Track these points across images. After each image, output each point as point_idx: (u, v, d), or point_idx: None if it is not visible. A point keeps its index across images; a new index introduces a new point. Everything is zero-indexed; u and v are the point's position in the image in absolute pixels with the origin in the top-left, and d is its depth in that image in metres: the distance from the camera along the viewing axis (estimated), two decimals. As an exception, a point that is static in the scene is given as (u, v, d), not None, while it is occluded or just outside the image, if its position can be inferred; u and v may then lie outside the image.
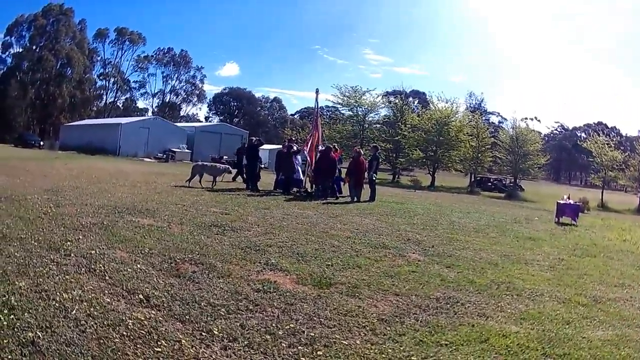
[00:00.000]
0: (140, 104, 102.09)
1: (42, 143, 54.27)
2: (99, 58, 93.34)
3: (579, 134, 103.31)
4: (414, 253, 8.78)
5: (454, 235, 11.27)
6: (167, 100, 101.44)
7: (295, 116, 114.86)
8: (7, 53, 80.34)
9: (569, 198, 18.47)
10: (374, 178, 18.76)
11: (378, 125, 52.74)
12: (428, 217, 14.37)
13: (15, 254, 6.29)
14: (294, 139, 24.02)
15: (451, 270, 7.71)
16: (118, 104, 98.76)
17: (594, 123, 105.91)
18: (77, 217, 9.14)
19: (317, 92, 20.78)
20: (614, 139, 48.74)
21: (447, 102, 49.04)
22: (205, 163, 21.67)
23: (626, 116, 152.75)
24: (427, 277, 7.09)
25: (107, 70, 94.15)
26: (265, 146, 22.91)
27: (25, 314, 4.44)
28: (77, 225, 8.49)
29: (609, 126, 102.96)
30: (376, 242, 9.38)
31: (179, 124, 62.12)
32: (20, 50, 79.83)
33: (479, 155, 45.80)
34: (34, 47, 79.49)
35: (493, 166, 51.64)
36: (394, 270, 7.35)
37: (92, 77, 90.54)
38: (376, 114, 52.87)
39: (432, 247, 9.48)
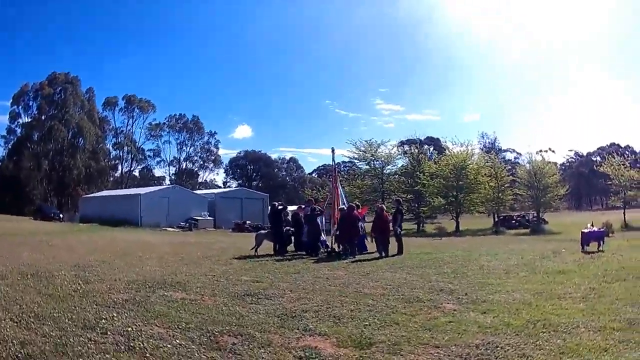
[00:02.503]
0: (157, 172, 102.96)
1: (61, 215, 54.46)
2: (110, 127, 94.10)
3: (594, 159, 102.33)
4: (448, 303, 8.77)
5: (485, 280, 11.28)
6: (183, 167, 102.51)
7: (314, 174, 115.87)
8: (15, 123, 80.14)
9: (592, 226, 18.53)
10: (399, 232, 18.64)
11: (396, 177, 52.54)
12: (457, 264, 14.36)
13: (51, 333, 6.36)
14: (313, 199, 23.98)
15: (487, 316, 7.71)
16: (135, 173, 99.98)
17: (607, 145, 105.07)
18: (108, 294, 9.17)
19: (332, 150, 21.42)
20: (629, 158, 47.94)
21: (461, 146, 49.39)
22: (267, 231, 21.63)
23: (637, 132, 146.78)
24: (465, 326, 7.09)
25: (119, 140, 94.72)
26: (291, 208, 22.81)
27: (70, 392, 4.40)
28: (109, 302, 8.52)
29: (622, 146, 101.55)
30: (410, 296, 9.35)
31: (198, 191, 62.91)
32: (29, 120, 79.60)
33: (500, 194, 45.77)
34: (43, 117, 79.09)
35: (515, 203, 51.41)
36: (431, 322, 7.34)
37: (105, 148, 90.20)
38: (393, 166, 53.06)
39: (466, 295, 9.46)
